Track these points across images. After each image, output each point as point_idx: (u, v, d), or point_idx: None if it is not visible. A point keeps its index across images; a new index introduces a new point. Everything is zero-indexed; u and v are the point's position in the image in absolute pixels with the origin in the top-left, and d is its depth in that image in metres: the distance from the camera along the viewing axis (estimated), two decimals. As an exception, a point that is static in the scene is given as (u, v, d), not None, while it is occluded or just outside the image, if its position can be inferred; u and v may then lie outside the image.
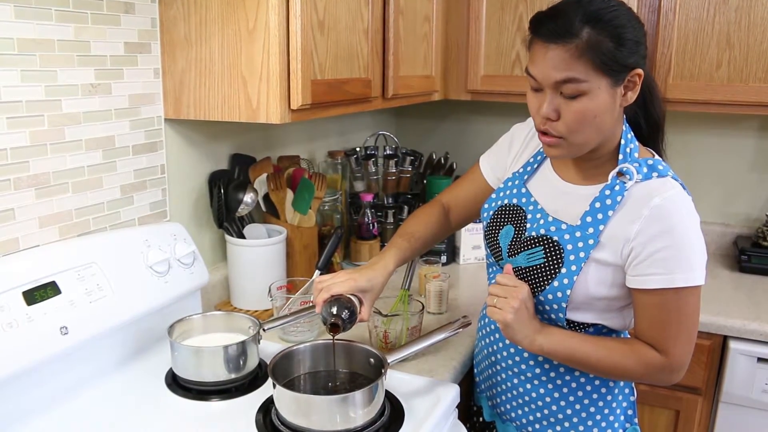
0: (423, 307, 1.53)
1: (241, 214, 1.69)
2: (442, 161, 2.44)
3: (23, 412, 1.18)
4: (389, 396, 1.25)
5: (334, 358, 1.29)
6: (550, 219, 1.24)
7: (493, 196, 1.38)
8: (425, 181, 2.31)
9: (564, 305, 1.20)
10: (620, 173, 1.17)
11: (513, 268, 1.25)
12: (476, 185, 1.49)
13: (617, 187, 1.16)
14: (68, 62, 1.31)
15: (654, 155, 1.22)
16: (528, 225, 1.26)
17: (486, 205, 1.39)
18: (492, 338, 1.38)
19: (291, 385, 1.25)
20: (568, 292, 1.18)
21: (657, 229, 1.12)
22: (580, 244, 1.18)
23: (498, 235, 1.32)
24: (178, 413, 1.23)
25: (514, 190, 1.33)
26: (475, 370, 1.48)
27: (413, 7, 1.93)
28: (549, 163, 1.31)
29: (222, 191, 1.67)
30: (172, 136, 1.60)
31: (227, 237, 1.70)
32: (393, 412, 1.22)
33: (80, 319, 1.24)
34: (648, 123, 1.26)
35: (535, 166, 1.33)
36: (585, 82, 1.08)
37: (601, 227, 1.16)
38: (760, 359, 1.79)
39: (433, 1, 2.07)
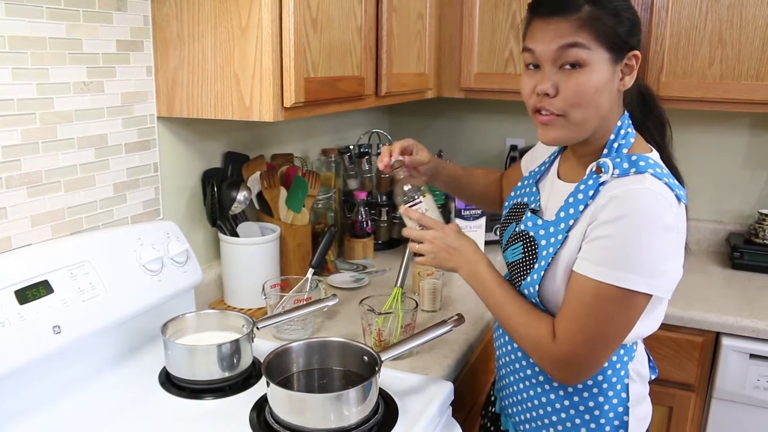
0: (417, 305, 1.53)
1: (234, 212, 1.69)
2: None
3: (16, 412, 1.17)
4: (383, 394, 1.25)
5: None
6: (529, 215, 1.25)
7: (512, 194, 1.40)
8: (419, 179, 2.31)
9: (536, 300, 1.19)
10: (598, 168, 1.13)
11: (506, 263, 1.29)
12: (517, 171, 1.55)
13: (591, 182, 1.13)
14: (60, 60, 1.30)
15: (652, 151, 1.18)
16: (521, 225, 1.27)
17: (506, 203, 1.41)
18: (496, 334, 1.38)
19: (285, 383, 1.25)
20: (537, 287, 1.17)
21: (605, 217, 1.07)
22: (552, 240, 1.17)
23: (504, 232, 1.34)
24: (172, 412, 1.23)
25: (526, 189, 1.34)
26: (496, 363, 1.45)
27: (406, 4, 1.93)
28: (558, 161, 1.31)
29: (215, 189, 1.67)
30: (165, 135, 1.59)
31: (221, 235, 1.69)
32: (387, 409, 1.22)
33: (73, 318, 1.23)
34: (654, 125, 1.25)
35: (548, 165, 1.34)
36: (589, 49, 1.07)
37: (571, 222, 1.14)
38: (752, 355, 1.80)
39: (426, -2, 2.07)
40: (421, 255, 1.31)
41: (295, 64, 1.39)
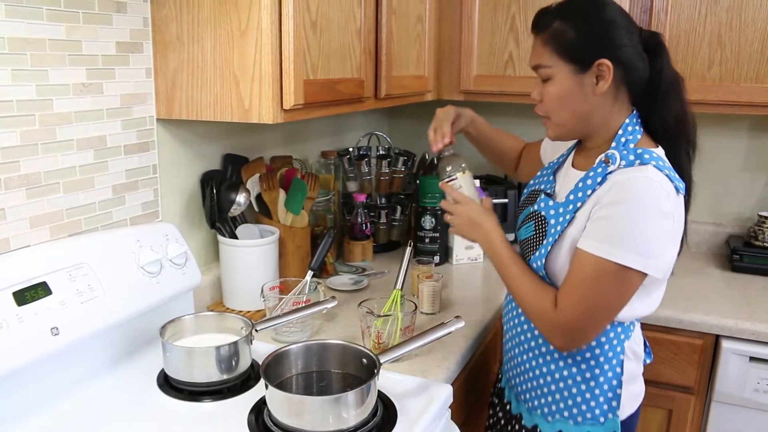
0: (416, 308, 1.53)
1: (233, 214, 1.69)
2: (435, 161, 2.43)
3: (14, 414, 1.17)
4: (382, 396, 1.25)
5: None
6: (543, 197, 1.38)
7: (531, 182, 1.52)
8: (418, 182, 2.31)
9: (543, 273, 1.31)
10: (606, 159, 1.25)
11: (518, 241, 1.42)
12: (536, 149, 1.69)
13: (600, 170, 1.25)
14: (60, 62, 1.30)
15: (656, 149, 1.27)
16: (535, 206, 1.40)
17: (525, 190, 1.53)
18: (506, 310, 1.50)
19: (283, 385, 1.25)
20: (543, 261, 1.29)
21: (608, 200, 1.20)
22: (561, 219, 1.29)
23: (520, 214, 1.46)
24: (170, 414, 1.23)
25: (544, 178, 1.46)
26: (504, 345, 1.57)
27: (406, 7, 1.93)
28: (572, 154, 1.43)
29: (214, 191, 1.67)
30: (164, 136, 1.59)
31: (219, 237, 1.69)
32: (386, 412, 1.21)
33: (71, 319, 1.23)
34: (661, 121, 1.30)
35: (565, 157, 1.46)
36: (549, 67, 1.26)
37: (579, 204, 1.26)
38: (752, 358, 1.80)
39: (425, 1, 2.07)
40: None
41: (295, 66, 1.39)
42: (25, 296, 1.18)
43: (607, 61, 1.22)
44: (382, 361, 1.22)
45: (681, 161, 1.30)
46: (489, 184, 2.39)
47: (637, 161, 1.21)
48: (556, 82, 1.27)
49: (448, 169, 1.49)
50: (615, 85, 1.25)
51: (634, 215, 1.18)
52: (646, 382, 1.84)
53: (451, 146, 1.53)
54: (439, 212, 2.18)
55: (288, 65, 1.39)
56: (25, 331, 1.15)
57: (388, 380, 1.33)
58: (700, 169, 2.37)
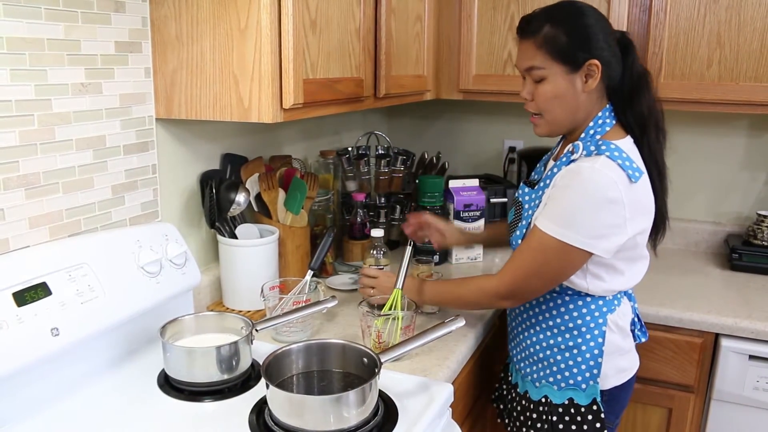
0: (416, 307, 1.53)
1: (233, 214, 1.68)
2: (434, 161, 2.44)
3: (14, 414, 1.17)
4: (383, 396, 1.25)
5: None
6: (522, 184, 1.56)
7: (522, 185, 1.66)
8: (417, 181, 2.30)
9: None
10: (572, 148, 1.40)
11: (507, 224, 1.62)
12: None
13: (565, 159, 1.41)
14: (58, 61, 1.30)
15: (621, 140, 1.39)
16: (516, 194, 1.58)
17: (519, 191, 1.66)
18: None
19: (284, 385, 1.25)
20: (519, 241, 1.47)
21: (560, 184, 1.36)
22: (532, 204, 1.47)
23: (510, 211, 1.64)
24: (171, 414, 1.22)
25: (539, 167, 1.61)
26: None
27: (405, 6, 1.93)
28: (558, 148, 1.56)
29: (214, 191, 1.67)
30: (164, 136, 1.59)
31: (219, 237, 1.69)
32: (387, 411, 1.21)
33: (71, 320, 1.23)
34: (633, 115, 1.42)
35: (554, 149, 1.60)
36: (543, 69, 1.38)
37: (546, 190, 1.42)
38: (751, 357, 1.80)
39: (424, 0, 2.07)
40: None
41: (294, 66, 1.39)
42: (24, 297, 1.17)
43: (596, 61, 1.36)
44: (382, 361, 1.22)
45: (653, 147, 1.43)
46: (488, 183, 2.39)
47: (595, 152, 1.35)
48: (550, 82, 1.39)
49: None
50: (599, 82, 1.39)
51: (577, 199, 1.33)
52: (646, 380, 1.85)
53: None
54: (438, 211, 2.18)
55: (287, 64, 1.39)
56: (25, 331, 1.15)
57: (389, 379, 1.33)
58: (700, 168, 2.40)
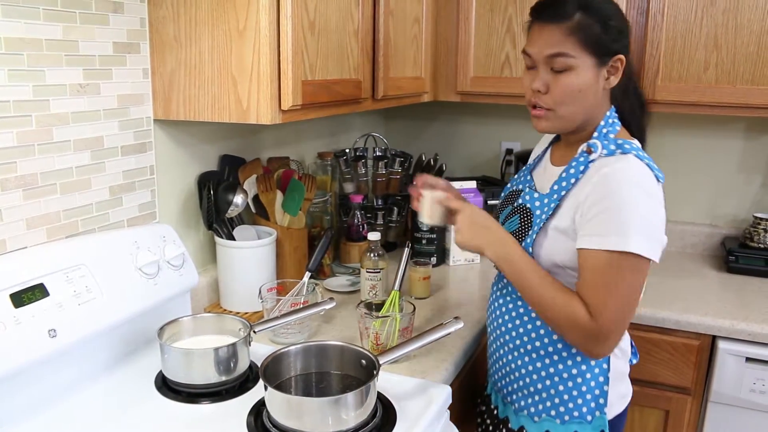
0: (414, 309, 1.53)
1: (230, 215, 1.68)
2: (432, 163, 2.44)
3: (11, 416, 1.16)
4: (381, 397, 1.25)
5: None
6: (527, 189, 1.40)
7: (508, 185, 1.52)
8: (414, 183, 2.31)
9: None
10: (588, 148, 1.28)
11: None
12: None
13: (582, 159, 1.29)
14: (56, 62, 1.29)
15: (633, 140, 1.31)
16: (519, 200, 1.40)
17: (502, 193, 1.53)
18: (489, 311, 1.48)
19: (282, 387, 1.25)
20: (530, 250, 1.30)
21: (599, 194, 1.21)
22: (545, 209, 1.31)
23: (500, 214, 1.46)
24: (168, 416, 1.22)
25: (522, 178, 1.48)
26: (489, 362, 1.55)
27: (403, 8, 1.93)
28: (549, 152, 1.45)
29: (211, 192, 1.66)
30: (162, 137, 1.59)
31: (217, 239, 1.69)
32: (385, 413, 1.21)
33: (69, 321, 1.23)
34: (633, 112, 1.37)
35: (541, 156, 1.47)
36: (573, 57, 1.24)
37: (563, 193, 1.29)
38: (748, 359, 1.81)
39: (422, 2, 2.07)
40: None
41: (293, 67, 1.39)
42: (22, 298, 1.17)
43: (623, 57, 1.27)
44: (381, 362, 1.22)
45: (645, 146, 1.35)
46: (485, 185, 2.39)
47: (618, 150, 1.25)
48: (576, 74, 1.25)
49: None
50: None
51: (627, 202, 1.19)
52: (643, 382, 1.85)
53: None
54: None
55: (286, 66, 1.39)
56: (22, 333, 1.14)
57: (387, 381, 1.33)
58: (696, 170, 2.40)
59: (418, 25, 2.07)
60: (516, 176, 1.52)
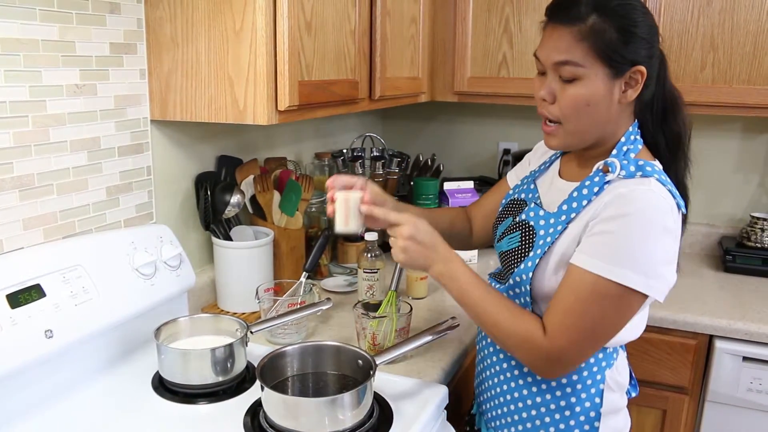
0: (411, 309, 1.53)
1: (227, 216, 1.68)
2: (429, 163, 2.44)
3: (7, 416, 1.16)
4: (378, 398, 1.25)
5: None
6: (532, 206, 1.26)
7: (510, 191, 1.41)
8: (412, 183, 2.31)
9: (527, 288, 1.19)
10: (605, 167, 1.15)
11: (498, 254, 1.29)
12: (499, 193, 1.50)
13: (597, 179, 1.15)
14: (53, 62, 1.29)
15: (655, 162, 1.18)
16: (522, 215, 1.28)
17: (503, 200, 1.41)
18: (479, 329, 1.40)
19: (279, 387, 1.25)
20: (530, 274, 1.18)
21: (607, 214, 1.09)
22: (551, 230, 1.18)
23: (499, 225, 1.35)
24: (165, 417, 1.22)
25: (525, 186, 1.36)
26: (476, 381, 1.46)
27: (400, 8, 1.93)
28: (559, 162, 1.32)
29: (209, 193, 1.66)
30: (159, 138, 1.59)
31: (214, 239, 1.69)
32: (382, 413, 1.21)
33: (65, 322, 1.23)
34: (665, 137, 1.22)
35: (548, 165, 1.35)
36: (582, 66, 1.10)
37: (573, 215, 1.16)
38: (745, 358, 1.81)
39: (419, 2, 2.07)
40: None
41: (289, 67, 1.39)
42: (18, 299, 1.17)
43: (643, 69, 1.11)
44: (377, 363, 1.22)
45: (681, 177, 1.22)
46: (483, 185, 2.39)
47: (639, 173, 1.12)
48: (585, 85, 1.11)
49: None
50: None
51: (637, 231, 1.06)
52: (641, 382, 1.84)
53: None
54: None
55: (282, 66, 1.39)
56: (18, 333, 1.14)
57: (384, 381, 1.33)
58: (693, 170, 2.40)
59: (415, 26, 2.07)
60: (520, 183, 1.40)
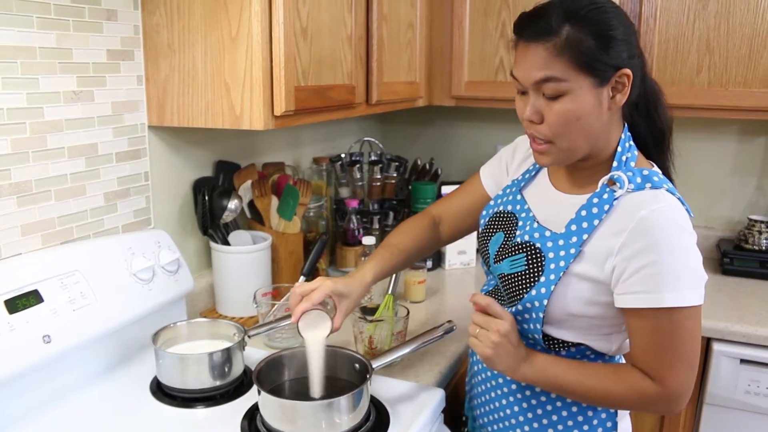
0: (408, 312, 1.54)
1: (225, 220, 1.69)
2: (427, 167, 2.45)
3: (6, 422, 1.17)
4: (374, 401, 1.25)
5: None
6: (536, 226, 1.19)
7: (491, 203, 1.35)
8: (410, 187, 2.32)
9: (540, 315, 1.14)
10: (611, 181, 1.11)
11: (498, 275, 1.23)
12: (473, 196, 1.44)
13: (606, 196, 1.10)
14: (50, 69, 1.30)
15: (653, 166, 1.16)
16: (517, 232, 1.22)
17: (484, 212, 1.35)
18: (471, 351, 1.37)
19: (276, 391, 1.25)
20: (545, 302, 1.12)
21: (641, 244, 1.05)
22: (562, 253, 1.12)
23: (489, 242, 1.29)
24: (163, 421, 1.23)
25: (510, 197, 1.30)
26: (467, 378, 1.44)
27: (397, 13, 1.94)
28: (546, 170, 1.27)
29: (206, 198, 1.67)
30: (156, 143, 1.60)
31: (212, 244, 1.69)
32: (378, 417, 1.22)
33: (63, 327, 1.23)
34: (652, 133, 1.20)
35: (534, 173, 1.29)
36: (565, 81, 1.04)
37: (585, 237, 1.11)
38: (743, 361, 1.81)
39: (416, 7, 2.08)
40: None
41: (286, 73, 1.40)
42: (16, 304, 1.17)
43: (628, 71, 1.06)
44: (374, 366, 1.23)
45: (668, 172, 1.21)
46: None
47: (648, 184, 1.09)
48: (573, 100, 1.05)
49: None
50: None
51: (676, 252, 1.05)
52: (652, 413, 1.82)
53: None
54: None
55: (279, 72, 1.39)
56: (16, 339, 1.15)
57: (381, 385, 1.33)
58: (691, 173, 2.41)
59: (412, 30, 2.08)
60: (501, 193, 1.34)
